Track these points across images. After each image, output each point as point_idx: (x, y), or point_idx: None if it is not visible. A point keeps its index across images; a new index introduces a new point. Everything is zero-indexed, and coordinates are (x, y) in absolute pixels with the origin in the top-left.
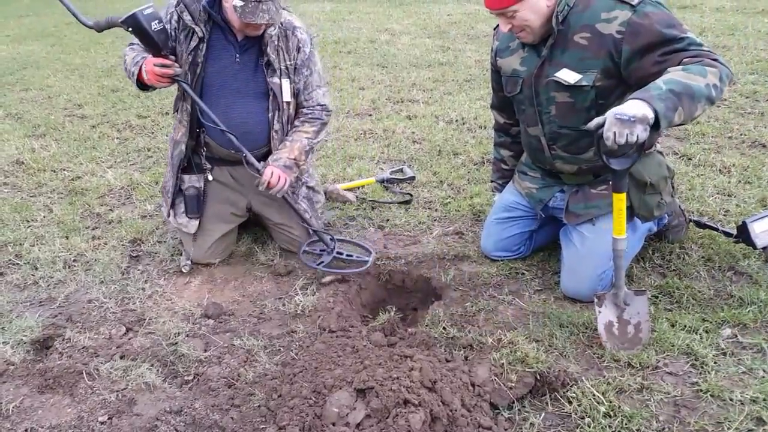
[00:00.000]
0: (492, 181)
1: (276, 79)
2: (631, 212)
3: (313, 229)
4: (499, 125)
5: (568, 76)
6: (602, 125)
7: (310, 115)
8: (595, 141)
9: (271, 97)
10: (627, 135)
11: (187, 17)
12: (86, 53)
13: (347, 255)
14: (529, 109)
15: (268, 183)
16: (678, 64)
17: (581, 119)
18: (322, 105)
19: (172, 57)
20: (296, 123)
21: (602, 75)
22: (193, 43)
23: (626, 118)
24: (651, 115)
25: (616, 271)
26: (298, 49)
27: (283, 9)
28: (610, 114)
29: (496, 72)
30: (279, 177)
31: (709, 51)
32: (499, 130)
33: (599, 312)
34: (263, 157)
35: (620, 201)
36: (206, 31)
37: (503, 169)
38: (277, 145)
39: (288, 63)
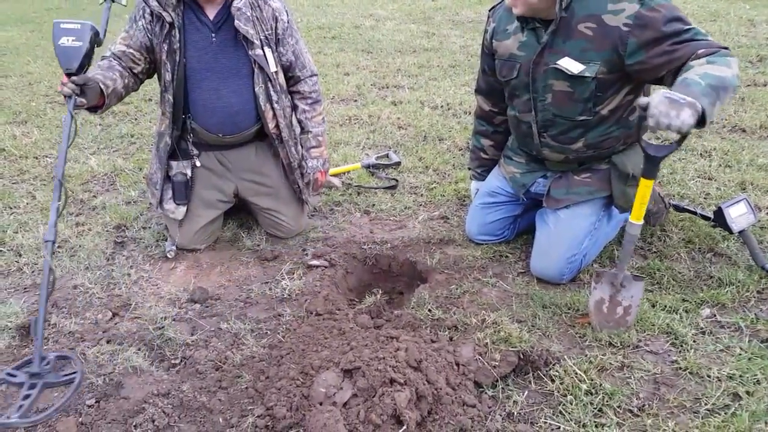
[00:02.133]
0: (470, 169)
1: (258, 51)
2: (610, 201)
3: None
4: (483, 112)
5: (571, 65)
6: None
7: (315, 95)
8: (637, 120)
9: (256, 70)
10: (673, 117)
11: (153, 3)
12: None
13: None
14: (523, 95)
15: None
16: (692, 55)
17: (577, 110)
18: (315, 74)
19: (75, 78)
20: (305, 107)
21: (605, 67)
22: (165, 30)
23: (677, 98)
24: (699, 107)
25: (623, 254)
26: (276, 19)
27: None
28: (659, 93)
29: (490, 55)
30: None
31: (714, 41)
32: (481, 118)
33: (594, 288)
34: (256, 137)
35: (647, 188)
36: (177, 16)
37: (482, 158)
38: (276, 119)
39: (268, 33)
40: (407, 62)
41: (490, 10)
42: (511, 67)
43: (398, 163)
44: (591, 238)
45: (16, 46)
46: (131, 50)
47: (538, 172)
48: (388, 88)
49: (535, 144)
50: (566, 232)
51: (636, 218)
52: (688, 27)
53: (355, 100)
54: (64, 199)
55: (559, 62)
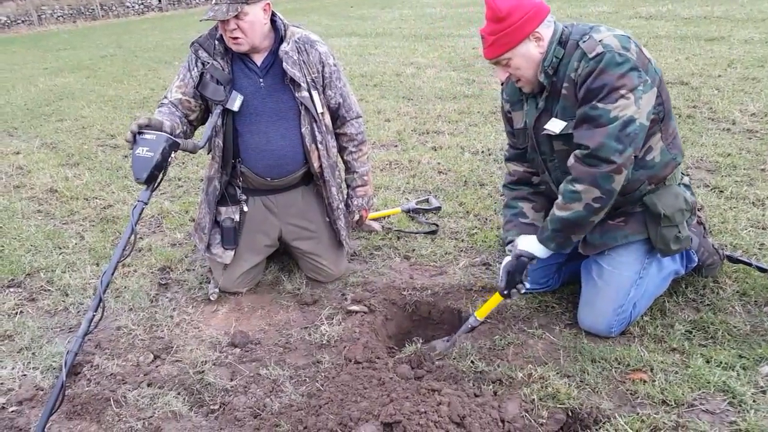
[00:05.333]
0: (507, 243)
1: (305, 93)
2: (651, 247)
3: None
4: (519, 175)
5: (554, 125)
6: None
7: (360, 136)
8: None
9: (302, 112)
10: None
11: (203, 54)
12: (119, 85)
13: None
14: (536, 158)
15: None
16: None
17: None
18: (360, 116)
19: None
20: (352, 148)
21: None
22: None
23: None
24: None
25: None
26: (323, 63)
27: (295, 26)
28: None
29: (509, 122)
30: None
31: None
32: (516, 183)
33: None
34: (302, 179)
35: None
36: (226, 64)
37: (522, 224)
38: (320, 159)
39: (314, 76)
40: (448, 108)
41: (502, 84)
42: (522, 135)
43: (438, 208)
44: (637, 288)
45: (72, 92)
46: (187, 98)
47: None
48: (428, 133)
49: None
50: (611, 283)
51: (479, 315)
52: (604, 109)
53: (396, 146)
54: (101, 313)
55: (546, 125)
